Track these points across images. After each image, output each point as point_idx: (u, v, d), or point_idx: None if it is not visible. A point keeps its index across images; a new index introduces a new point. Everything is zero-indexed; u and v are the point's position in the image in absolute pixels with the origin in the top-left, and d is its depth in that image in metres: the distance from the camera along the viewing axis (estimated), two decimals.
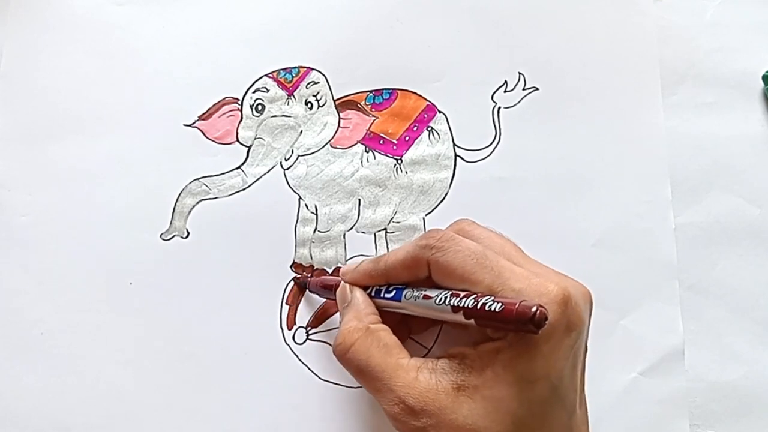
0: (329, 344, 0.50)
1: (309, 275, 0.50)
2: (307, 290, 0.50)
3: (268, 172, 0.52)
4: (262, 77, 0.53)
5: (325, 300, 0.50)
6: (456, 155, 0.52)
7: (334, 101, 0.53)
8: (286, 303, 0.50)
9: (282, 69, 0.54)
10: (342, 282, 0.45)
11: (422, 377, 0.38)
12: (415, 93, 0.53)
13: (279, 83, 0.53)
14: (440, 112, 0.53)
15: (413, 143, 0.52)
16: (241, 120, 0.53)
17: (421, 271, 0.41)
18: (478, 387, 0.37)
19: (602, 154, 0.52)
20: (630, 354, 0.49)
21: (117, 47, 0.54)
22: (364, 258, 0.45)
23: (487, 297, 0.37)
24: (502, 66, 0.54)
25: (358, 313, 0.43)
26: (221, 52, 0.54)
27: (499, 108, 0.53)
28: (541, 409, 0.37)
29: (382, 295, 0.43)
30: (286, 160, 0.52)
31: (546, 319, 0.35)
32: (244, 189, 0.52)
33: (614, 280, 0.50)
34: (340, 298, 0.45)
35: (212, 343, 0.49)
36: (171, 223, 0.51)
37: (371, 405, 0.49)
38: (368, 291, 0.44)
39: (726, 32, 0.54)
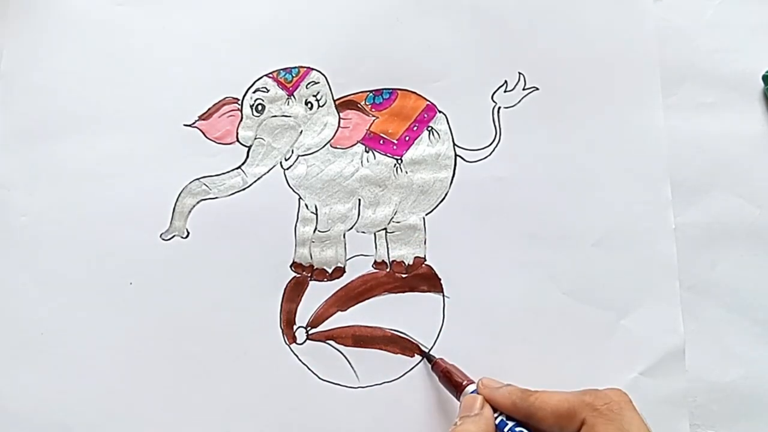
0: (329, 344, 0.50)
1: (423, 350, 0.49)
2: (431, 367, 0.49)
3: (268, 172, 0.52)
4: (262, 77, 0.53)
5: (325, 300, 0.50)
6: (456, 155, 0.52)
7: (334, 101, 0.53)
8: (286, 302, 0.50)
9: (282, 69, 0.54)
10: (475, 392, 0.45)
11: None
12: (415, 93, 0.53)
13: (279, 83, 0.53)
14: (440, 112, 0.53)
15: (413, 143, 0.52)
16: (241, 120, 0.53)
17: (571, 424, 0.41)
18: None
19: (602, 154, 0.52)
20: (630, 354, 0.49)
21: (117, 47, 0.54)
22: (509, 384, 0.44)
23: None
24: (502, 66, 0.53)
25: (480, 428, 0.42)
26: (221, 52, 0.54)
27: (499, 108, 0.53)
28: None
29: (506, 429, 0.43)
30: (286, 160, 0.52)
31: None
32: (244, 189, 0.52)
33: (614, 280, 0.50)
34: (467, 404, 0.44)
35: (212, 343, 0.49)
36: (171, 223, 0.51)
37: (371, 405, 0.49)
38: (496, 415, 0.43)
39: (726, 32, 0.54)
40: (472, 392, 0.45)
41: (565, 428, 0.41)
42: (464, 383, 0.46)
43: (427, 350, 0.49)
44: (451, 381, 0.46)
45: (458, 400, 0.45)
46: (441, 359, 0.48)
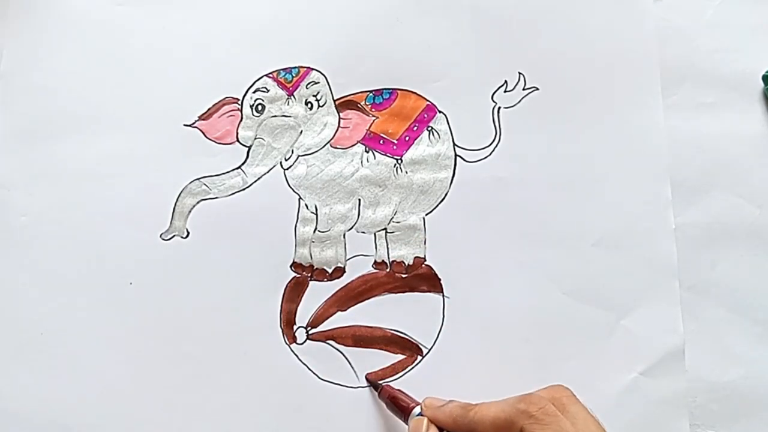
0: (329, 344, 0.50)
1: (379, 383, 0.49)
2: (377, 394, 0.48)
3: (268, 172, 0.52)
4: (262, 77, 0.53)
5: (325, 300, 0.50)
6: (456, 155, 0.52)
7: (334, 101, 0.53)
8: (286, 302, 0.50)
9: (282, 69, 0.54)
10: (421, 415, 0.45)
11: None
12: (415, 93, 0.53)
13: (279, 83, 0.53)
14: (440, 112, 0.53)
15: (413, 143, 0.52)
16: (241, 120, 0.53)
17: None
18: None
19: (602, 154, 0.52)
20: (630, 354, 0.49)
21: (117, 47, 0.54)
22: (452, 400, 0.45)
23: None
24: (502, 66, 0.54)
25: None
26: (221, 52, 0.54)
27: (499, 108, 0.53)
28: None
29: None
30: (286, 160, 0.52)
31: None
32: (244, 189, 0.52)
33: (614, 280, 0.50)
34: (414, 427, 0.44)
35: (212, 343, 0.49)
36: (171, 223, 0.51)
37: (371, 405, 0.49)
38: None
39: (726, 32, 0.54)
40: (417, 414, 0.45)
41: None
42: (411, 406, 0.45)
43: (426, 351, 0.49)
44: (398, 406, 0.46)
45: (406, 424, 0.45)
46: (387, 386, 0.48)
